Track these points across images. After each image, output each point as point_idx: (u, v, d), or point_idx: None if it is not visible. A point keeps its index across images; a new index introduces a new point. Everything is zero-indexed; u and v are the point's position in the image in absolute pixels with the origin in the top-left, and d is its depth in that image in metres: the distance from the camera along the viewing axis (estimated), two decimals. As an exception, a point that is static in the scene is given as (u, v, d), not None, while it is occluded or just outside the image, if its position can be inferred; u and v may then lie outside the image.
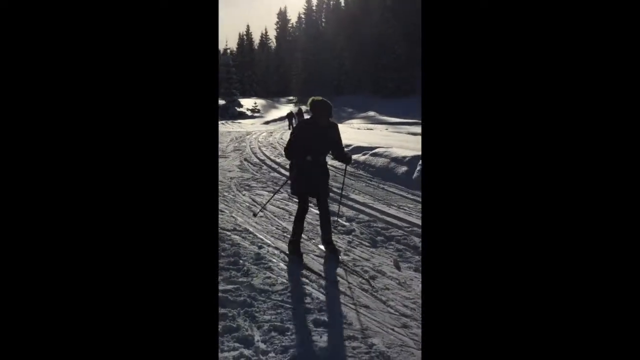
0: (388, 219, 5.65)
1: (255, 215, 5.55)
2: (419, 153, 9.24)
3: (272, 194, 6.58)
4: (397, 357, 2.67)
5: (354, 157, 9.75)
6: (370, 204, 6.42)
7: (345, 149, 4.57)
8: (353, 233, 4.98)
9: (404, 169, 8.68)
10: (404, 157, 9.11)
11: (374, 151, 10.35)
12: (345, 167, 5.11)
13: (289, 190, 5.01)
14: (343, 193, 5.94)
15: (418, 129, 18.89)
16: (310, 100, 4.34)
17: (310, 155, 4.23)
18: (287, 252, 4.38)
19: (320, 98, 4.28)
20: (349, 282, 3.74)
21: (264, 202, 6.30)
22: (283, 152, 4.54)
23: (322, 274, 3.87)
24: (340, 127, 14.93)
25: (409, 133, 17.03)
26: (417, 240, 4.79)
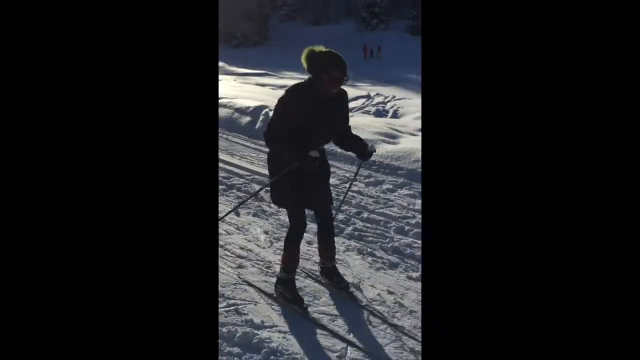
0: (230, 168, 5.74)
1: None
2: (263, 104, 9.38)
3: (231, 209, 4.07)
4: (231, 294, 2.87)
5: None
6: (214, 155, 6.44)
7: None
8: (194, 184, 4.99)
9: (247, 119, 8.76)
10: (248, 108, 9.17)
11: (218, 102, 10.22)
12: (360, 165, 3.25)
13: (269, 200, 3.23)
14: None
15: (266, 80, 19.04)
16: (306, 52, 2.57)
17: (316, 150, 2.58)
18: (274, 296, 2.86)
19: (326, 49, 2.55)
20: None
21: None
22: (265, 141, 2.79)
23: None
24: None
25: (257, 84, 16.98)
26: (258, 187, 4.98)
